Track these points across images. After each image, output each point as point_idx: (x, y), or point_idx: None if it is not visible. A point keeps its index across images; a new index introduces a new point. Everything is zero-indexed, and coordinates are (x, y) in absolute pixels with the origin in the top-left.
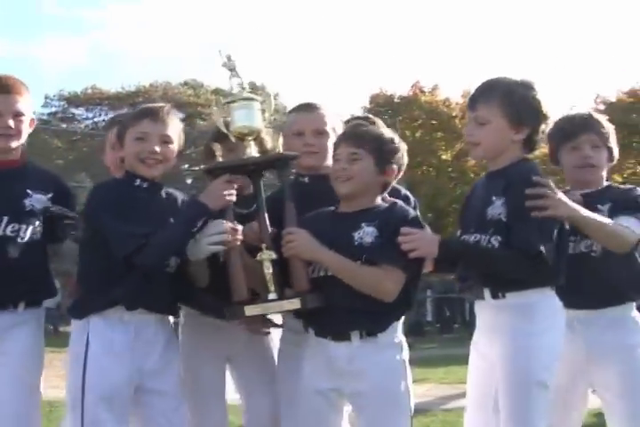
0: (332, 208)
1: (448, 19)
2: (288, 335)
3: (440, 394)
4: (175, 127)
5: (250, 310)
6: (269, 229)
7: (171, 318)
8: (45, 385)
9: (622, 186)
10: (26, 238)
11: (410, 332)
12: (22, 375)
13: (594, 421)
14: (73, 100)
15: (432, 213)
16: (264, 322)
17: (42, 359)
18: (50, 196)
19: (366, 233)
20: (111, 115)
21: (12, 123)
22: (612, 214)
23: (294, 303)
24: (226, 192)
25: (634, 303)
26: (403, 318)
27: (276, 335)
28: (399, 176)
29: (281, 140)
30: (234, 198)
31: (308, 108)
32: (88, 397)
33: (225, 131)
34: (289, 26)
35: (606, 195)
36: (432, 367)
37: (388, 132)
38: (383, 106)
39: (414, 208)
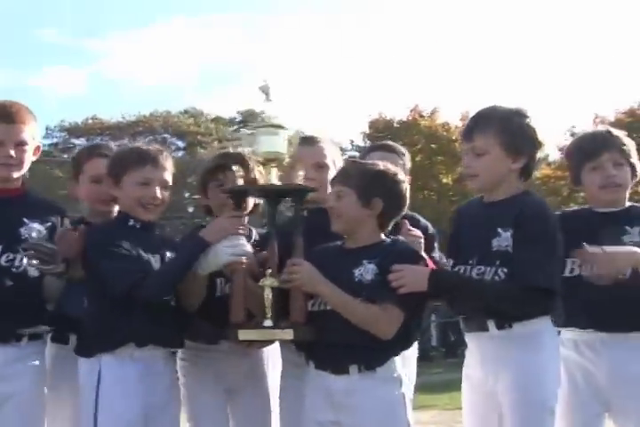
0: (340, 243)
1: (445, 42)
2: (289, 369)
3: (445, 420)
4: (171, 171)
5: (243, 335)
6: (277, 256)
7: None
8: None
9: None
10: (21, 268)
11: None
12: (27, 413)
13: None
14: (74, 131)
15: None
16: (255, 344)
17: (43, 394)
18: (48, 225)
19: (366, 270)
20: (112, 145)
21: (13, 153)
22: None
23: (288, 334)
24: (227, 227)
25: None
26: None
27: (274, 369)
28: (404, 208)
29: (274, 173)
30: (243, 232)
31: (308, 142)
32: None
33: (248, 152)
34: (288, 52)
35: (632, 215)
36: (437, 393)
37: (380, 166)
38: (382, 131)
39: (432, 238)
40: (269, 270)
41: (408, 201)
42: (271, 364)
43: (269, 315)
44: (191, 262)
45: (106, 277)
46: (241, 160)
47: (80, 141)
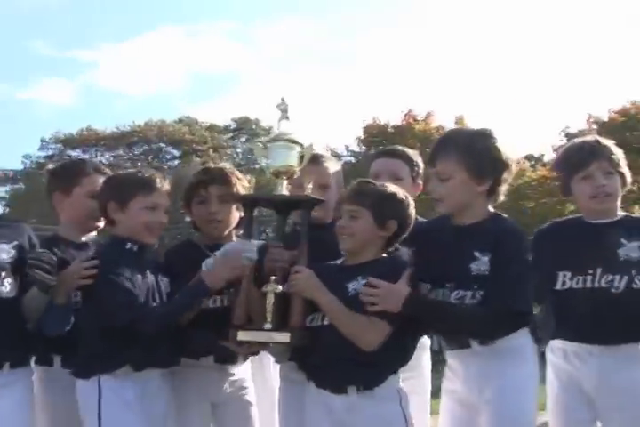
0: (340, 261)
1: (438, 45)
2: (288, 386)
3: None
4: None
5: (242, 335)
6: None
7: None
8: None
9: (634, 215)
10: None
11: None
12: None
13: None
14: (69, 142)
15: None
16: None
17: (30, 422)
18: (15, 244)
19: (360, 285)
20: (108, 155)
21: None
22: None
23: (285, 337)
24: (229, 276)
25: None
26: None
27: (265, 385)
28: (408, 229)
29: (284, 185)
30: (247, 272)
31: (312, 162)
32: None
33: (263, 164)
34: (280, 57)
35: (626, 226)
36: None
37: (391, 188)
38: (377, 136)
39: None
40: (272, 277)
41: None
42: (260, 380)
43: (270, 319)
44: (192, 306)
45: (107, 307)
46: (222, 176)
47: (76, 153)
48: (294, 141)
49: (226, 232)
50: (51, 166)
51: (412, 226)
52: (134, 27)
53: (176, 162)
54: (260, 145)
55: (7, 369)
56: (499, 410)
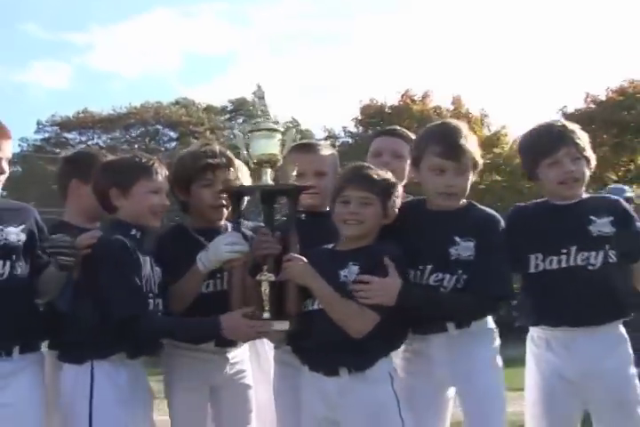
0: (331, 246)
1: (434, 25)
2: (283, 369)
3: None
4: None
5: None
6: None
7: None
8: None
9: (597, 195)
10: (5, 275)
11: None
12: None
13: None
14: (65, 125)
15: None
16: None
17: (43, 410)
18: (23, 227)
19: (351, 272)
20: (104, 137)
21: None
22: (620, 228)
23: (284, 324)
24: (247, 335)
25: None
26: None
27: (261, 369)
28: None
29: (268, 174)
30: (240, 263)
31: (307, 149)
32: None
33: (246, 155)
34: (277, 37)
35: (596, 205)
36: None
37: (390, 175)
38: (374, 116)
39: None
40: (266, 266)
41: None
42: (256, 363)
43: (267, 308)
44: (195, 338)
45: (108, 299)
46: (228, 159)
47: (72, 135)
48: (274, 129)
49: (223, 216)
50: (67, 153)
51: None
52: (129, 8)
53: (173, 144)
54: (241, 135)
55: (17, 355)
56: (477, 388)
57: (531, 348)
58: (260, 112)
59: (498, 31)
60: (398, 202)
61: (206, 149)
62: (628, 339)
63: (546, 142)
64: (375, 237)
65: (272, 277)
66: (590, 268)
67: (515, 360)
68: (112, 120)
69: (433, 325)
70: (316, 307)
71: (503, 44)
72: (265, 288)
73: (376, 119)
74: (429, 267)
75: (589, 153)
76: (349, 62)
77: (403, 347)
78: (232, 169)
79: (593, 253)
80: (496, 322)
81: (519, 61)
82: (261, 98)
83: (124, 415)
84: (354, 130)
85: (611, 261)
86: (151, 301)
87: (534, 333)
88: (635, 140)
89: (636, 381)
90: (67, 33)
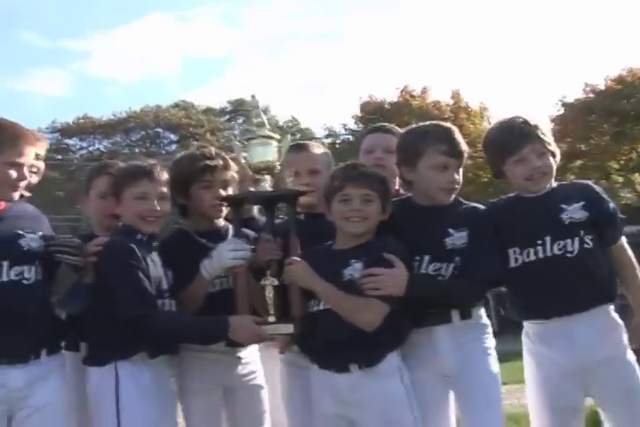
0: (329, 244)
1: (431, 19)
2: (290, 369)
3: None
4: (166, 182)
5: None
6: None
7: None
8: None
9: (567, 181)
10: (32, 280)
11: None
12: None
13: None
14: (66, 131)
15: None
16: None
17: (72, 412)
18: (40, 234)
19: (354, 269)
20: (105, 142)
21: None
22: (593, 211)
23: (288, 328)
24: (253, 338)
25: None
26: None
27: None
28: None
29: (267, 180)
30: (242, 269)
31: (300, 149)
32: None
33: (244, 163)
34: (273, 37)
35: (565, 193)
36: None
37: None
38: (374, 113)
39: None
40: (269, 271)
41: None
42: (270, 365)
43: (272, 312)
44: (204, 339)
45: (117, 299)
46: (225, 161)
47: (73, 141)
48: (270, 137)
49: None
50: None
51: None
52: (124, 14)
53: (174, 146)
54: (239, 144)
55: (44, 357)
56: (480, 377)
57: (526, 343)
58: (254, 120)
59: (494, 24)
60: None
61: (203, 151)
62: (622, 324)
63: (510, 140)
64: (374, 233)
65: (275, 282)
66: (569, 255)
67: (512, 354)
68: (112, 125)
69: (438, 316)
70: (321, 307)
71: (500, 37)
72: (269, 292)
73: (376, 116)
74: (427, 257)
75: (553, 147)
76: (347, 60)
77: None
78: (229, 170)
79: (569, 241)
80: (497, 318)
81: (517, 53)
82: (256, 107)
83: (152, 414)
84: (354, 127)
85: (587, 246)
86: (166, 301)
87: (528, 328)
88: (635, 128)
89: (636, 366)
90: (64, 40)
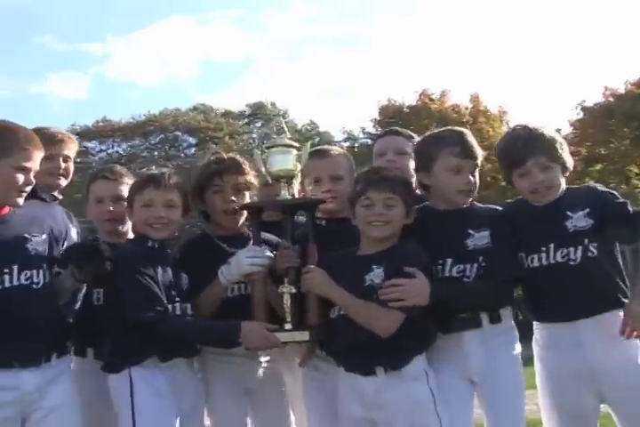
0: (353, 249)
1: (450, 23)
2: (310, 372)
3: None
4: (178, 190)
5: None
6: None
7: None
8: None
9: (575, 186)
10: (41, 284)
11: None
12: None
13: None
14: (85, 134)
15: None
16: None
17: (82, 413)
18: (46, 235)
19: (375, 275)
20: (124, 146)
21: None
22: (600, 216)
23: (304, 335)
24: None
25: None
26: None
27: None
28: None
29: (287, 188)
30: (260, 276)
31: (321, 155)
32: None
33: (263, 171)
34: (292, 41)
35: (572, 199)
36: None
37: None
38: (393, 117)
39: None
40: (287, 278)
41: None
42: (287, 366)
43: (289, 319)
44: (216, 342)
45: (127, 304)
46: (236, 164)
47: (92, 144)
48: (290, 145)
49: (240, 222)
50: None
51: None
52: (144, 17)
53: (192, 150)
54: (259, 153)
55: (55, 360)
56: (508, 381)
57: (536, 349)
58: (275, 129)
59: (514, 27)
60: None
61: (215, 157)
62: None
63: (514, 153)
64: (398, 237)
65: (293, 289)
66: (572, 263)
67: (531, 359)
68: (131, 128)
69: (468, 321)
70: (342, 312)
71: (520, 40)
72: (286, 300)
73: (394, 119)
74: (449, 260)
75: (565, 156)
76: (366, 64)
77: None
78: (243, 175)
79: (572, 249)
80: (515, 322)
81: (536, 57)
82: (277, 115)
83: (167, 416)
84: (372, 131)
85: (591, 255)
86: (176, 306)
87: (537, 334)
88: None
89: None
90: (83, 44)
